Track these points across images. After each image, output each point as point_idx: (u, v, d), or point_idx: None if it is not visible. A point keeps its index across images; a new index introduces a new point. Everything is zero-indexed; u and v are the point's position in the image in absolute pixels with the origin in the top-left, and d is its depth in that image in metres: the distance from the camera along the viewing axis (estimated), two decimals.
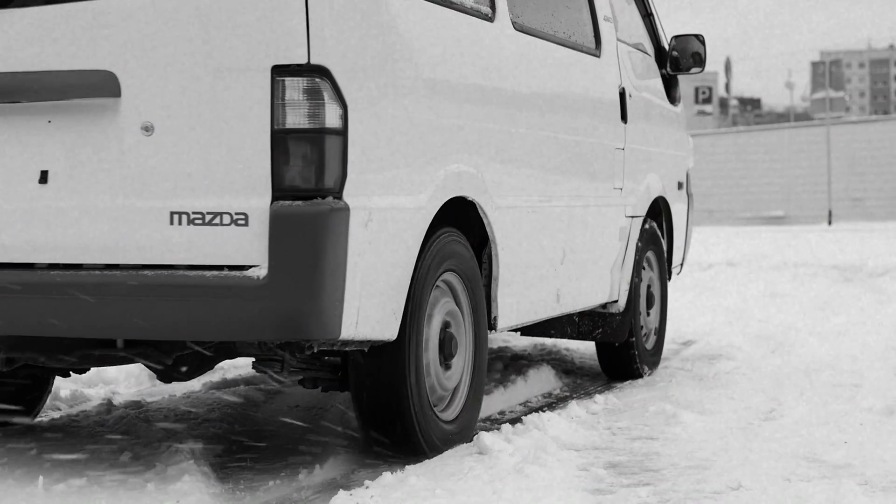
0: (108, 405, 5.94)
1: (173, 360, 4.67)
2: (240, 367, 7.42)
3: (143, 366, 6.72)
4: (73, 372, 5.27)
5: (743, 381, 6.69)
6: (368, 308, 4.23)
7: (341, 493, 4.25)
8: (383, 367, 4.57)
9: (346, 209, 4.06)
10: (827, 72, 34.61)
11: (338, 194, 4.07)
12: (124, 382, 6.83)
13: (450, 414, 4.99)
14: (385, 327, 4.37)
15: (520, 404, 6.28)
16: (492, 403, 6.13)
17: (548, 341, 8.57)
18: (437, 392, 4.90)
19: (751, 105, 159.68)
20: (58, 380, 6.80)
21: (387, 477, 4.40)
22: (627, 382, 6.87)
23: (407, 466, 4.62)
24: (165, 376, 4.89)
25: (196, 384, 6.87)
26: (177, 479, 4.48)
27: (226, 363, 7.57)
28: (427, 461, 4.73)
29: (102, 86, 4.15)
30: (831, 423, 5.46)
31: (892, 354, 7.53)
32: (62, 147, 4.23)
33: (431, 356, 4.82)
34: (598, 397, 6.14)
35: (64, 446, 5.06)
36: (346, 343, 4.29)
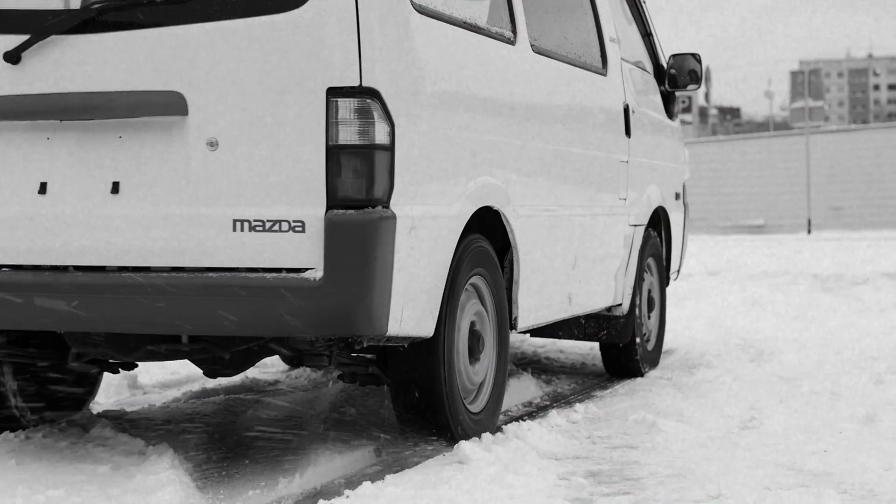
0: (89, 415, 5.92)
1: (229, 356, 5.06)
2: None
3: (124, 374, 6.77)
4: (123, 369, 5.60)
5: (723, 389, 6.70)
6: (411, 307, 4.62)
7: (321, 502, 4.25)
8: (420, 362, 4.97)
9: (394, 217, 4.46)
10: (806, 81, 34.73)
11: (386, 204, 4.46)
12: (104, 392, 6.81)
13: (477, 406, 5.35)
14: (424, 325, 4.75)
15: (500, 413, 6.28)
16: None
17: (528, 350, 8.57)
18: (465, 386, 5.27)
19: (730, 114, 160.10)
20: None
21: (366, 486, 4.39)
22: (608, 391, 6.88)
23: (387, 476, 4.62)
24: (212, 371, 5.28)
25: (177, 393, 6.85)
26: (157, 489, 4.47)
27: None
28: (407, 471, 4.73)
29: (171, 105, 4.52)
30: (811, 431, 5.47)
31: (871, 363, 7.56)
32: (133, 160, 4.60)
33: (461, 353, 5.20)
34: (579, 406, 6.14)
35: (44, 457, 5.05)
36: (390, 339, 4.64)
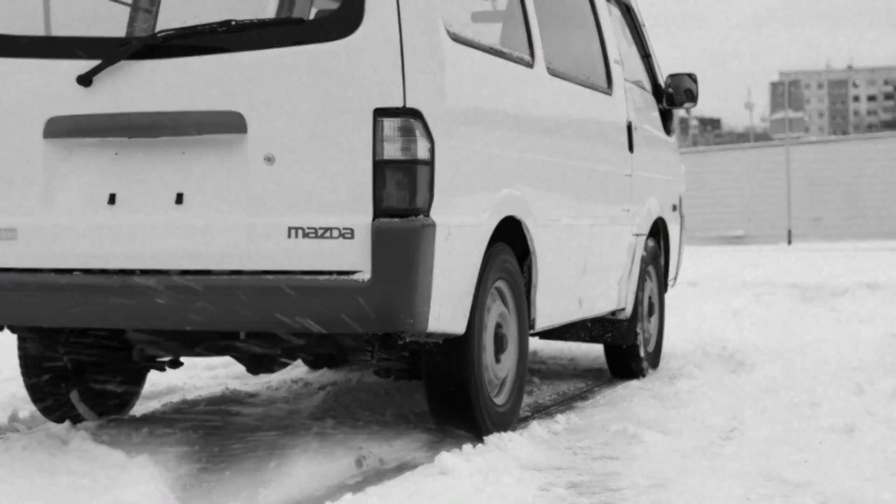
0: (67, 427, 5.89)
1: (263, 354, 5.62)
2: (200, 388, 7.38)
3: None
4: (170, 367, 6.12)
5: (703, 400, 6.70)
6: (447, 307, 5.05)
7: None
8: (452, 357, 5.38)
9: (434, 225, 4.90)
10: (786, 92, 34.84)
11: (426, 213, 4.91)
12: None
13: (501, 399, 5.76)
14: (457, 323, 5.18)
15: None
16: None
17: None
18: (491, 380, 5.67)
19: (711, 125, 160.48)
20: (17, 402, 6.75)
21: (347, 498, 4.39)
22: (589, 401, 6.89)
23: (368, 488, 4.61)
24: (255, 367, 5.81)
25: (157, 404, 6.83)
26: (137, 502, 4.45)
27: (186, 384, 7.54)
28: (387, 482, 4.73)
29: (231, 124, 4.99)
30: (791, 441, 5.48)
31: (851, 373, 7.57)
32: (196, 174, 5.06)
33: (489, 350, 5.62)
34: (560, 417, 6.14)
35: (23, 469, 5.02)
36: (430, 335, 5.08)
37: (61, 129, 5.18)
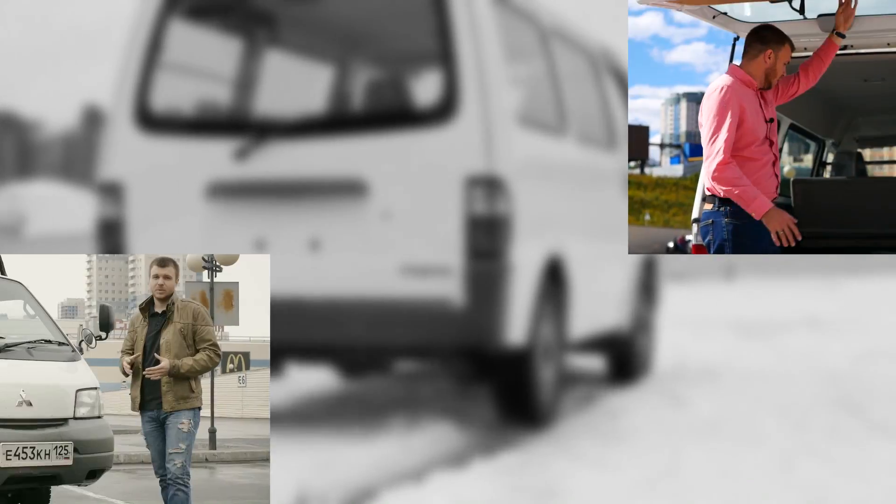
0: None
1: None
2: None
3: None
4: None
5: (643, 436, 6.72)
6: (516, 325, 6.49)
7: None
8: (517, 365, 6.77)
9: (511, 263, 6.39)
10: None
11: (505, 254, 6.36)
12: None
13: (546, 397, 7.07)
14: (522, 338, 6.59)
15: (422, 461, 6.26)
16: (393, 460, 6.10)
17: (448, 396, 8.55)
18: (540, 383, 6.91)
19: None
20: None
21: None
22: (532, 438, 6.89)
23: None
24: (351, 373, 7.21)
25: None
26: None
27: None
28: None
29: (357, 187, 6.45)
30: (730, 477, 5.51)
31: (791, 408, 7.62)
32: (329, 225, 6.50)
33: (539, 359, 6.91)
34: (502, 454, 6.14)
35: None
36: (504, 348, 6.45)
37: (219, 191, 6.57)
